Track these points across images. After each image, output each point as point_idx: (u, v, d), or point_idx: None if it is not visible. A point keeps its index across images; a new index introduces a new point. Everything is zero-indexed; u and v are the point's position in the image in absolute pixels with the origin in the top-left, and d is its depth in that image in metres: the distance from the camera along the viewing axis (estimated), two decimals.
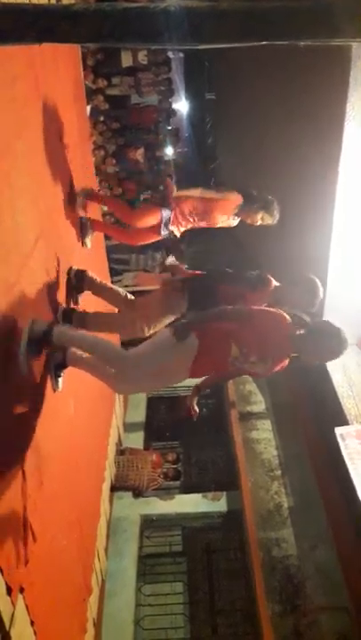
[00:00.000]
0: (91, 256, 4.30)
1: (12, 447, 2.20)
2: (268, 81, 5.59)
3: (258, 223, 3.70)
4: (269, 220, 3.68)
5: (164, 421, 6.97)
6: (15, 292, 2.31)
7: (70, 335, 2.69)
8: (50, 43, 1.46)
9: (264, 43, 1.38)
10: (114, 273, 6.45)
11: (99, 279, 3.67)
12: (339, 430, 4.11)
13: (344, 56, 3.33)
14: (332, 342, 2.46)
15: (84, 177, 4.27)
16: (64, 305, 3.23)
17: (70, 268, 3.47)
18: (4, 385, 2.17)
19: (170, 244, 7.74)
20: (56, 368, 2.82)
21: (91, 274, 3.59)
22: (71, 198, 3.69)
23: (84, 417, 3.70)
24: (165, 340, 2.59)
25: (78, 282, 3.50)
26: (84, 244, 4.04)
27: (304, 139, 4.57)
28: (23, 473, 2.31)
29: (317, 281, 3.02)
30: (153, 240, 4.01)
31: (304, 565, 4.61)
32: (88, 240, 4.08)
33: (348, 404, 4.37)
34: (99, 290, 3.65)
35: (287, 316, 2.55)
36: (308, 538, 4.78)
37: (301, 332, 2.50)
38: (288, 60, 4.53)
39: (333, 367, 4.50)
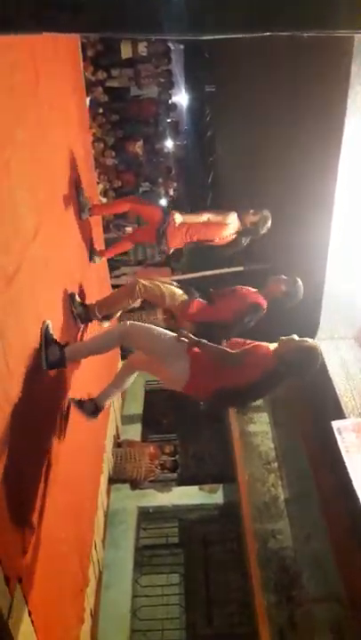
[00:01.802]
0: (88, 248, 4.29)
1: (9, 440, 2.20)
2: (268, 74, 5.56)
3: (249, 222, 3.99)
4: (260, 222, 3.99)
5: (161, 414, 7.00)
6: (14, 282, 2.31)
7: (79, 349, 3.04)
8: (51, 32, 1.45)
9: (267, 34, 1.37)
10: (112, 267, 6.43)
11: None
12: (336, 424, 4.11)
13: (346, 49, 3.31)
14: (310, 363, 2.75)
15: (84, 169, 4.26)
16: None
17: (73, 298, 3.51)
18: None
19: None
20: (51, 365, 2.79)
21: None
22: (70, 189, 3.68)
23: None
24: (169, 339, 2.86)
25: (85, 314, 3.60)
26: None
27: (304, 132, 4.55)
28: (21, 465, 2.32)
29: (298, 280, 3.52)
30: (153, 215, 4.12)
31: (299, 557, 4.64)
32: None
33: (346, 398, 4.37)
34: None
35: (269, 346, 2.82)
36: (303, 530, 4.82)
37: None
38: (289, 52, 4.50)
39: (331, 361, 4.51)
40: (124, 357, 5.47)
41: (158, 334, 2.91)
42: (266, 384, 2.82)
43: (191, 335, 2.84)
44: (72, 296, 3.39)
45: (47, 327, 2.76)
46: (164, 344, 2.87)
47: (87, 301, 3.73)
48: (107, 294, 4.01)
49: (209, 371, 2.79)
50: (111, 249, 4.72)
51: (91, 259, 4.32)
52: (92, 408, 3.06)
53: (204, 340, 2.82)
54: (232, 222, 4.00)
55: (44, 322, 2.75)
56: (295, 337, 2.80)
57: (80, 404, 3.06)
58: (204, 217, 4.06)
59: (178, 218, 3.97)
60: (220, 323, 3.41)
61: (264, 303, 3.50)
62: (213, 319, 3.46)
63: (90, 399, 3.09)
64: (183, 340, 2.83)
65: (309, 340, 2.80)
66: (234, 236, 4.07)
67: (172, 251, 4.22)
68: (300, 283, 3.53)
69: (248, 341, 2.94)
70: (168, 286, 3.58)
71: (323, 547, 4.62)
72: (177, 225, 3.96)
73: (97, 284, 4.68)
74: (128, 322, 3.04)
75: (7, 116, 2.40)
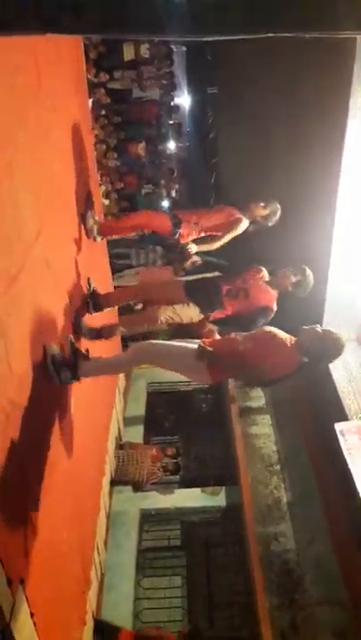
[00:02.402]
0: (91, 249, 4.29)
1: (11, 441, 2.20)
2: (270, 75, 5.56)
3: (259, 216, 3.94)
4: (271, 215, 3.93)
5: (163, 415, 6.99)
6: (17, 283, 2.31)
7: (94, 367, 2.95)
8: (54, 33, 1.45)
9: (269, 35, 1.37)
10: (115, 270, 6.42)
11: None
12: (339, 426, 4.11)
13: (348, 50, 3.31)
14: (334, 348, 2.79)
15: (86, 171, 4.26)
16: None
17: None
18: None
19: (174, 250, 7.80)
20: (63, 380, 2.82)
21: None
22: (72, 191, 3.68)
23: (84, 411, 3.71)
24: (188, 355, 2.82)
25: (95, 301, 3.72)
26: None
27: (307, 133, 4.55)
28: (23, 466, 2.32)
29: (307, 270, 3.55)
30: (162, 227, 4.06)
31: (302, 560, 4.63)
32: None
33: (348, 400, 4.37)
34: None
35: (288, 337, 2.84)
36: (306, 533, 4.80)
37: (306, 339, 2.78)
38: (291, 54, 4.50)
39: (334, 363, 4.50)
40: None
41: (178, 354, 2.86)
42: (290, 375, 2.83)
43: (210, 352, 2.82)
44: (77, 316, 3.38)
45: (53, 353, 2.74)
46: (183, 361, 2.85)
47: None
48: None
49: (227, 355, 2.81)
50: (114, 229, 4.51)
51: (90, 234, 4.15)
52: (68, 376, 2.83)
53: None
54: (243, 227, 3.97)
55: (47, 346, 2.72)
56: (318, 327, 2.82)
57: (58, 363, 2.78)
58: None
59: (193, 248, 3.95)
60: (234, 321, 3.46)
61: (274, 302, 3.51)
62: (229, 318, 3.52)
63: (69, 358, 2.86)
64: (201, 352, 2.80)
65: (333, 330, 2.83)
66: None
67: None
68: (309, 271, 3.54)
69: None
70: (185, 311, 3.58)
71: (325, 549, 4.61)
72: (192, 254, 3.96)
73: (100, 284, 4.68)
74: (146, 344, 2.99)
75: (9, 117, 2.40)
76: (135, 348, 3.02)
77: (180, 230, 3.98)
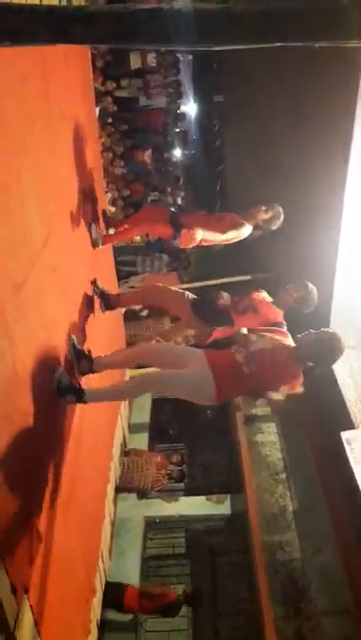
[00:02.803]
0: (97, 256, 4.30)
1: (16, 447, 2.20)
2: (276, 84, 5.58)
3: (261, 221, 3.90)
4: (273, 219, 3.89)
5: (168, 422, 6.97)
6: (24, 290, 2.32)
7: (99, 396, 2.95)
8: (63, 44, 1.47)
9: (278, 44, 1.38)
10: (120, 277, 6.44)
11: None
12: (345, 435, 4.09)
13: (355, 58, 3.32)
14: (331, 345, 2.73)
15: (93, 178, 4.28)
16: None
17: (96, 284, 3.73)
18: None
19: (176, 255, 7.84)
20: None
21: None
22: (79, 198, 3.70)
23: (89, 418, 3.70)
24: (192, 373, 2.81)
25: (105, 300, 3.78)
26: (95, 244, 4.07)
27: (313, 142, 4.55)
28: (28, 474, 2.31)
29: (310, 285, 3.48)
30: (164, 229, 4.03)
31: (308, 569, 4.59)
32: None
33: (355, 408, 4.35)
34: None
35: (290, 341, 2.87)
36: (312, 541, 4.77)
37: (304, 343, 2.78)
38: (298, 62, 4.52)
39: (340, 370, 4.48)
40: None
41: (181, 378, 2.83)
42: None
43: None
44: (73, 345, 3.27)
45: (61, 376, 2.75)
46: (189, 379, 2.81)
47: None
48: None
49: (233, 380, 2.80)
50: (117, 234, 4.46)
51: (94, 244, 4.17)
52: (74, 397, 2.80)
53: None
54: (244, 233, 3.96)
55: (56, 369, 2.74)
56: (311, 331, 2.80)
57: (65, 387, 2.78)
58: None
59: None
60: None
61: (281, 318, 3.46)
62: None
63: (77, 387, 2.83)
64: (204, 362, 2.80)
65: (326, 329, 2.81)
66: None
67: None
68: (311, 286, 3.49)
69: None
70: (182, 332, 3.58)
71: (332, 559, 4.57)
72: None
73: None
74: (150, 374, 3.00)
75: (19, 124, 2.42)
76: (140, 378, 3.06)
77: (181, 236, 3.97)
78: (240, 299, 3.60)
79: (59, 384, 2.73)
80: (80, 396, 2.78)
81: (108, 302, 3.82)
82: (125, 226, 4.31)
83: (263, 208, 3.92)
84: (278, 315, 3.48)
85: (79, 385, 2.85)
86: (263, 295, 3.62)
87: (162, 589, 4.73)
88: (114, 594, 4.44)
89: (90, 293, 3.78)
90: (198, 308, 3.60)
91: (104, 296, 3.82)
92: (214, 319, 3.56)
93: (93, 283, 3.78)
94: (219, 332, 3.54)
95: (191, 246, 4.07)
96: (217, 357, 2.84)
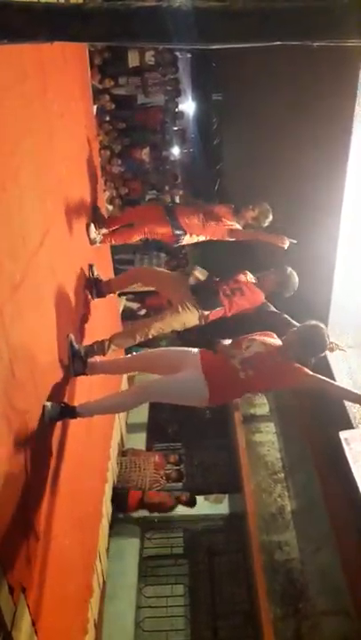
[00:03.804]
0: (96, 256, 4.29)
1: (14, 448, 2.19)
2: (275, 82, 5.57)
3: (250, 219, 3.96)
4: (261, 216, 3.95)
5: (166, 422, 6.96)
6: (21, 289, 2.31)
7: (92, 409, 2.93)
8: (62, 41, 1.45)
9: (277, 43, 1.37)
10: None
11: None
12: (344, 434, 4.07)
13: (354, 57, 3.31)
14: (313, 336, 2.76)
15: (90, 177, 4.27)
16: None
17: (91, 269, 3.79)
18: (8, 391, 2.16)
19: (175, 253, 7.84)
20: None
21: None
22: (77, 197, 3.68)
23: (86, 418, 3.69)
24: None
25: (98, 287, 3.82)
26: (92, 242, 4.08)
27: (311, 139, 4.55)
28: (26, 474, 2.30)
29: (288, 269, 3.56)
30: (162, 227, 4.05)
31: (306, 569, 4.59)
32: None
33: (354, 408, 4.33)
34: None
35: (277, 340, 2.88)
36: (310, 541, 4.76)
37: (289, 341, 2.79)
38: (296, 61, 4.51)
39: (338, 369, 4.47)
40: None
41: (176, 386, 2.85)
42: None
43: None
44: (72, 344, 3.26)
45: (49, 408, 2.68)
46: (182, 386, 2.83)
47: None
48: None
49: (227, 385, 2.82)
50: (117, 235, 4.39)
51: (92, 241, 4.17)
52: (64, 414, 2.76)
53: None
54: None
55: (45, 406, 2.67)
56: (294, 329, 2.85)
57: (58, 410, 2.73)
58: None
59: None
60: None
61: (263, 299, 3.56)
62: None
63: (65, 405, 2.80)
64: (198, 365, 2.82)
65: (306, 323, 2.83)
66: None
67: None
68: (290, 270, 3.56)
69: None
70: (179, 318, 3.56)
71: (330, 558, 4.57)
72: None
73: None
74: (145, 384, 2.99)
75: (16, 123, 2.40)
76: (135, 389, 3.07)
77: (183, 237, 4.02)
78: (226, 281, 3.63)
79: (50, 418, 2.66)
80: (72, 413, 2.77)
81: (100, 290, 3.87)
82: (117, 224, 4.31)
83: (250, 207, 3.97)
84: (261, 295, 3.56)
85: (67, 405, 2.82)
86: (249, 277, 3.68)
87: (160, 498, 5.26)
88: (119, 497, 5.01)
89: (87, 292, 3.78)
90: (195, 290, 3.62)
91: (97, 283, 3.87)
92: (207, 300, 3.58)
93: (90, 267, 3.84)
94: (211, 315, 3.55)
95: (196, 235, 4.07)
96: (212, 362, 2.85)
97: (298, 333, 2.79)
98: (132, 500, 5.18)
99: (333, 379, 4.43)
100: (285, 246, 3.79)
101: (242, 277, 3.67)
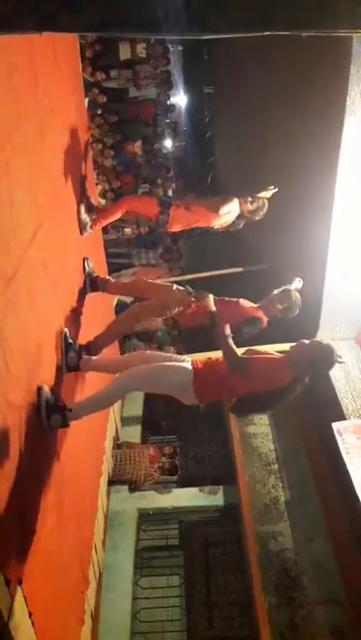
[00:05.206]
0: (89, 249, 4.28)
1: (8, 442, 2.19)
2: (267, 75, 5.56)
3: (246, 211, 3.93)
4: (258, 210, 3.93)
5: (161, 415, 6.98)
6: (13, 283, 2.30)
7: (82, 410, 2.92)
8: (51, 32, 1.44)
9: (267, 33, 1.37)
10: (112, 270, 6.40)
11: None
12: (336, 425, 4.11)
13: (345, 49, 3.31)
14: (323, 356, 2.75)
15: (83, 170, 4.25)
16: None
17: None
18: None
19: (167, 245, 7.81)
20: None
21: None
22: (69, 190, 3.67)
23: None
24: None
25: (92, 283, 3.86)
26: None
27: (303, 132, 4.55)
28: (21, 467, 2.31)
29: (294, 295, 3.47)
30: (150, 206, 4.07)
31: (300, 559, 4.63)
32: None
33: (346, 399, 4.37)
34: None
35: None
36: (304, 531, 4.81)
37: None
38: (288, 53, 4.50)
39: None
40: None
41: (162, 373, 2.91)
42: (286, 391, 2.81)
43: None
44: (66, 338, 3.22)
45: (45, 393, 2.67)
46: (170, 379, 2.90)
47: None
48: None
49: (214, 388, 2.90)
50: (104, 215, 4.29)
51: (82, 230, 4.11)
52: (60, 421, 2.75)
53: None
54: (233, 210, 3.94)
55: (40, 387, 2.66)
56: (305, 341, 2.80)
57: (53, 409, 2.71)
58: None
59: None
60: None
61: (264, 318, 3.47)
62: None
63: (63, 407, 2.77)
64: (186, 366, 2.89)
65: (319, 339, 2.84)
66: (232, 222, 4.04)
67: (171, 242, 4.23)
68: (296, 295, 3.47)
69: (262, 351, 3.00)
70: (172, 295, 3.55)
71: (324, 548, 4.62)
72: None
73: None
74: (127, 372, 2.99)
75: (6, 117, 2.39)
76: (118, 379, 3.03)
77: (170, 213, 3.97)
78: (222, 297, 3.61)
79: (47, 403, 2.65)
80: (64, 417, 2.75)
81: (94, 284, 3.88)
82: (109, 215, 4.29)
83: (249, 199, 3.92)
84: (259, 313, 3.48)
85: (63, 404, 2.81)
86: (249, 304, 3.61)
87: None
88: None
89: (82, 285, 3.78)
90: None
91: (91, 276, 3.88)
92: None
93: (84, 261, 3.87)
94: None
95: (181, 225, 4.06)
96: (204, 365, 2.91)
97: (309, 346, 2.76)
98: None
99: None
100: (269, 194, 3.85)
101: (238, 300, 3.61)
